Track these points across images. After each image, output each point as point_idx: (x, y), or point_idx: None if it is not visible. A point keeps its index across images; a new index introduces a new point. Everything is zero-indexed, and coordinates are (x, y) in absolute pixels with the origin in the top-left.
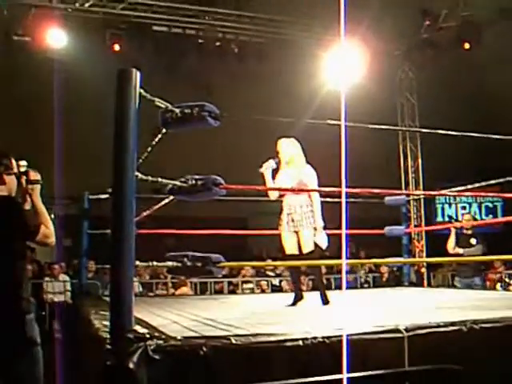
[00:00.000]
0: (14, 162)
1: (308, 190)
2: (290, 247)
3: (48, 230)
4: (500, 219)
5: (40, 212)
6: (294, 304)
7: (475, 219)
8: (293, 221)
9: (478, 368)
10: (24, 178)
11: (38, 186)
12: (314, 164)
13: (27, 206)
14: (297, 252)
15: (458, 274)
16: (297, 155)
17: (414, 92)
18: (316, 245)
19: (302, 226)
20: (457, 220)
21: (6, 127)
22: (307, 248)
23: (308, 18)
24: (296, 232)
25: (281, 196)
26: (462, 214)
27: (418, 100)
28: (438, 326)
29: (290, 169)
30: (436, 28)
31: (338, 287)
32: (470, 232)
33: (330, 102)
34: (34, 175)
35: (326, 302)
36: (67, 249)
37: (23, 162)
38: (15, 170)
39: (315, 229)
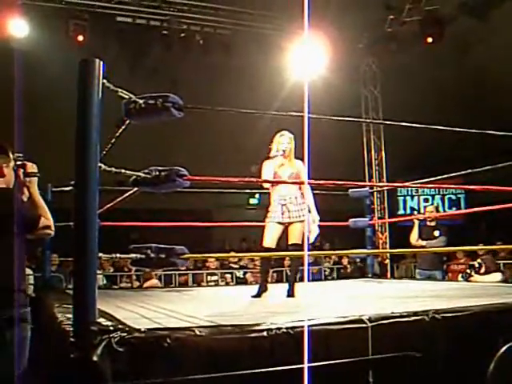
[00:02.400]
0: (11, 154)
1: (265, 181)
2: (272, 240)
3: (48, 221)
4: (463, 211)
5: (39, 204)
6: (258, 295)
7: (438, 211)
8: (289, 211)
9: (439, 355)
10: (21, 170)
11: (36, 179)
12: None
13: (24, 199)
14: (273, 246)
15: (419, 266)
16: (293, 149)
17: (377, 85)
18: (303, 239)
19: (299, 217)
20: (419, 212)
21: None
22: (296, 240)
23: (274, 11)
24: (285, 223)
25: (271, 186)
26: (425, 206)
27: (382, 93)
28: (401, 316)
29: (288, 161)
30: (399, 22)
31: (302, 279)
32: (433, 224)
33: (295, 95)
34: (32, 167)
35: (292, 294)
36: (30, 242)
37: (19, 155)
38: (13, 163)
39: (303, 221)
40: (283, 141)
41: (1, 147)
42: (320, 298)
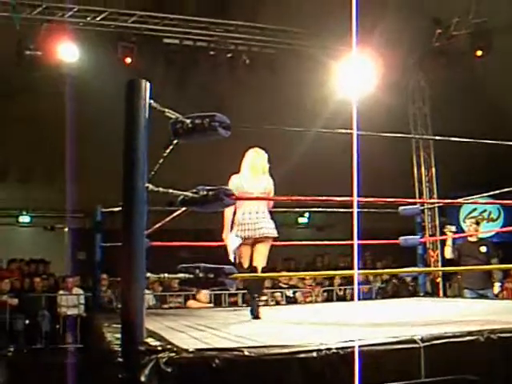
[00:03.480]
0: None
1: (322, 200)
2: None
3: None
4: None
5: None
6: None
7: (478, 223)
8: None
9: (496, 379)
10: None
11: None
12: (325, 174)
13: None
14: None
15: (468, 285)
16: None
17: (426, 101)
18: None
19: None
20: (458, 227)
21: (18, 142)
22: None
23: (319, 29)
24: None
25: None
26: (464, 219)
27: (431, 109)
28: (455, 336)
29: (265, 177)
30: (447, 36)
31: (352, 298)
32: (474, 239)
33: (341, 113)
34: None
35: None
36: (81, 262)
37: None
38: None
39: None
40: (263, 160)
41: None
42: (370, 318)
